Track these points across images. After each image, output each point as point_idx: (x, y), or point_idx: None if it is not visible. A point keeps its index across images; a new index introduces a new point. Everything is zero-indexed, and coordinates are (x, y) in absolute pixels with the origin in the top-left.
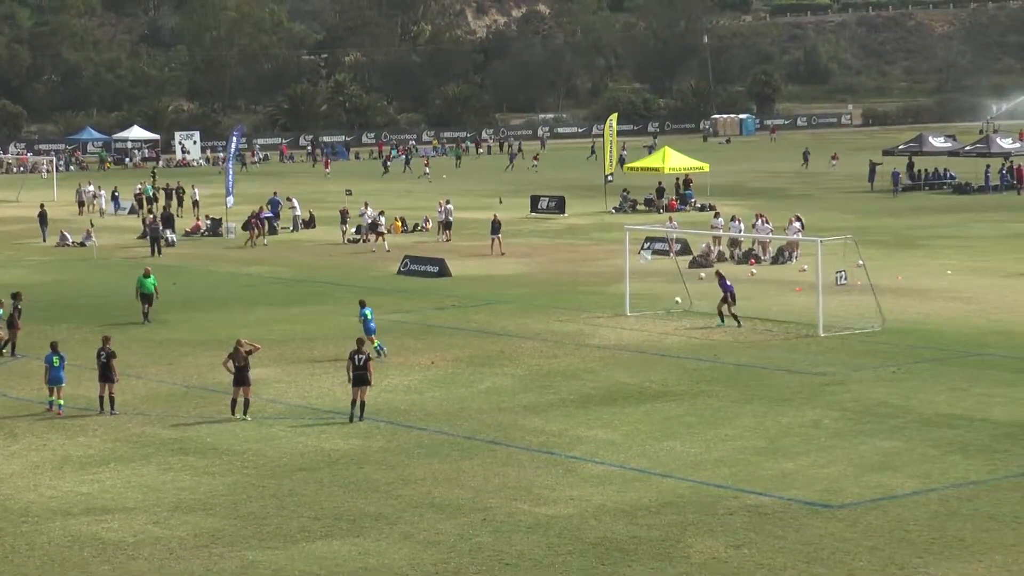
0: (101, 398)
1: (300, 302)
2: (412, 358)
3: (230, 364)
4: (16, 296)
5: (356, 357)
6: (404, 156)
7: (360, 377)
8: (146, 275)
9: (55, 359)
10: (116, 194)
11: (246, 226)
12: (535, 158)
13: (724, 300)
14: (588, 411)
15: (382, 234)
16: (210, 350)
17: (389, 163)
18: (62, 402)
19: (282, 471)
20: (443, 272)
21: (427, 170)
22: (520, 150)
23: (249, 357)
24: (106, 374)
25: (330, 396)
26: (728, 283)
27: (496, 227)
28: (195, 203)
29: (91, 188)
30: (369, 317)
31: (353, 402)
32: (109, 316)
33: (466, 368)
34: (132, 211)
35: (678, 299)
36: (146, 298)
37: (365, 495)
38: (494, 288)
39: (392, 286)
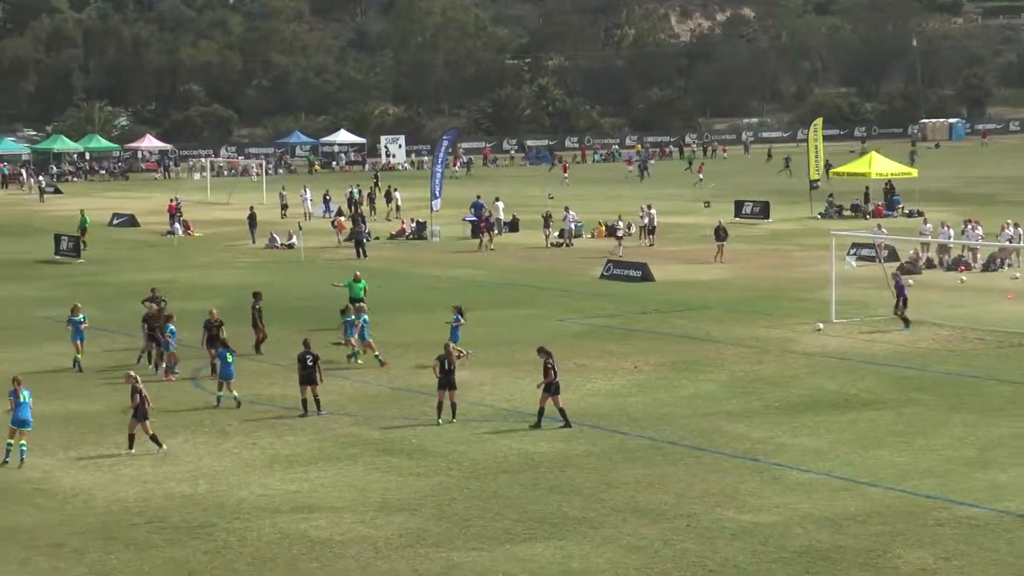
0: (304, 401)
1: (502, 305)
2: (615, 362)
3: (437, 368)
4: (257, 296)
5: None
6: (641, 164)
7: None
8: (356, 279)
9: (228, 355)
10: (327, 197)
11: (475, 232)
12: (699, 170)
13: (898, 302)
14: (793, 418)
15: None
16: (414, 352)
17: (646, 169)
18: (235, 394)
19: (486, 473)
20: (646, 276)
21: (630, 169)
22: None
23: (457, 361)
24: (312, 377)
25: (533, 399)
26: (903, 284)
27: (722, 234)
28: (397, 207)
29: (305, 194)
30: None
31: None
32: (317, 318)
33: (669, 373)
34: (340, 214)
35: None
36: (355, 303)
37: (568, 498)
38: (698, 293)
39: (594, 290)
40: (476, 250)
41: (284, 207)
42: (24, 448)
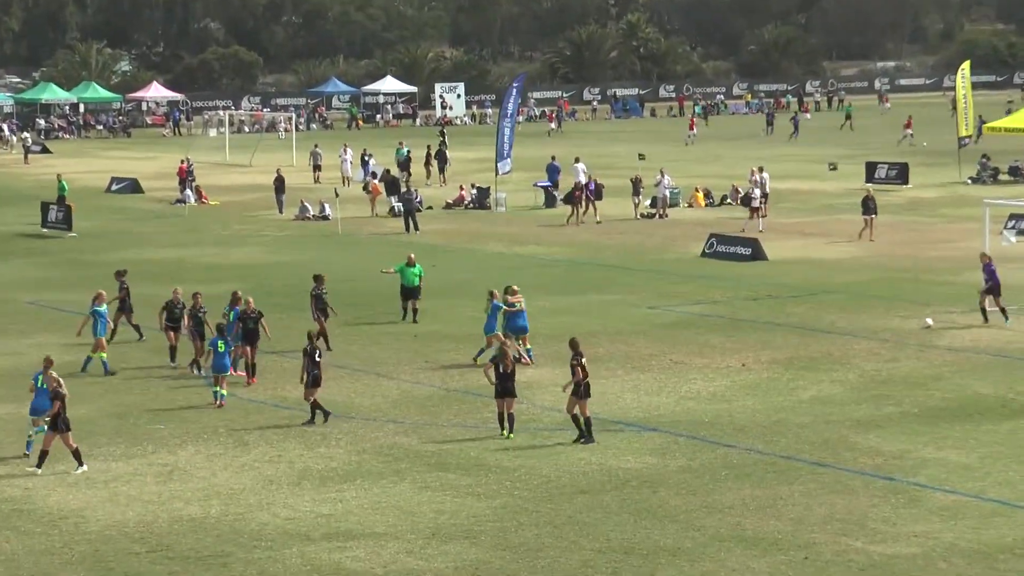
0: (314, 406)
1: (580, 289)
2: (719, 359)
3: (491, 372)
4: (318, 280)
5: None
6: (768, 116)
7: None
8: (410, 263)
9: (220, 344)
10: (367, 158)
11: (568, 199)
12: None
13: (988, 291)
14: (936, 428)
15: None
16: (472, 345)
17: (772, 120)
18: (225, 392)
19: (560, 493)
20: (757, 255)
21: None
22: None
23: (516, 365)
24: (317, 381)
25: (618, 404)
26: (994, 269)
27: (871, 206)
28: (443, 166)
29: (344, 154)
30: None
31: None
32: (357, 308)
33: (784, 372)
34: (375, 177)
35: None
36: (409, 292)
37: (660, 525)
38: (819, 275)
39: (694, 270)
40: (565, 224)
41: (317, 169)
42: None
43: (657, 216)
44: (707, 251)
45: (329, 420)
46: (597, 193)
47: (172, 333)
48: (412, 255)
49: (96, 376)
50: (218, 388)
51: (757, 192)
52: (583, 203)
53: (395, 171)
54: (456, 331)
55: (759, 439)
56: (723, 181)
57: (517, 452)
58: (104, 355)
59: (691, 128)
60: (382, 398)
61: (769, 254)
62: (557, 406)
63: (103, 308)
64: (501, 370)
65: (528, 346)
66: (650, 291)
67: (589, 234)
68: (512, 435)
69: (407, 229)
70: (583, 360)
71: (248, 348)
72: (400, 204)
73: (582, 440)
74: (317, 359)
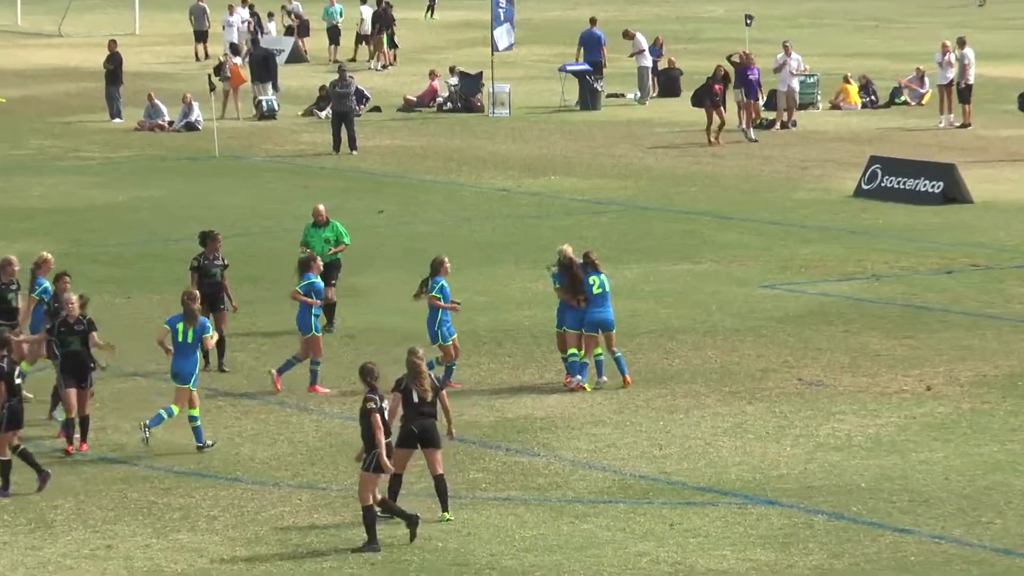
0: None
1: (645, 255)
2: (883, 377)
3: (393, 404)
4: (207, 241)
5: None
6: None
7: None
8: (318, 222)
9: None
10: (257, 26)
11: (703, 98)
12: None
13: None
14: None
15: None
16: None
17: None
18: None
19: None
20: (952, 192)
21: None
22: None
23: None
24: (16, 418)
25: (708, 457)
26: None
27: None
28: (392, 42)
29: (232, 18)
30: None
31: None
32: (252, 284)
33: (1001, 401)
34: (237, 54)
35: None
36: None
37: None
38: None
39: (839, 220)
40: (706, 144)
41: (200, 40)
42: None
43: (778, 125)
44: (865, 186)
45: (48, 484)
46: (669, 83)
47: None
48: (322, 207)
49: None
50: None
51: (950, 74)
52: (747, 106)
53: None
54: (419, 326)
55: (956, 519)
56: (893, 64)
57: (514, 540)
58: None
59: None
60: (290, 445)
61: (973, 192)
62: (601, 460)
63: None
64: (415, 399)
65: (617, 352)
66: (765, 258)
67: (655, 158)
68: (448, 514)
69: (336, 146)
70: (381, 404)
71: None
72: (328, 106)
73: (370, 547)
74: (17, 380)
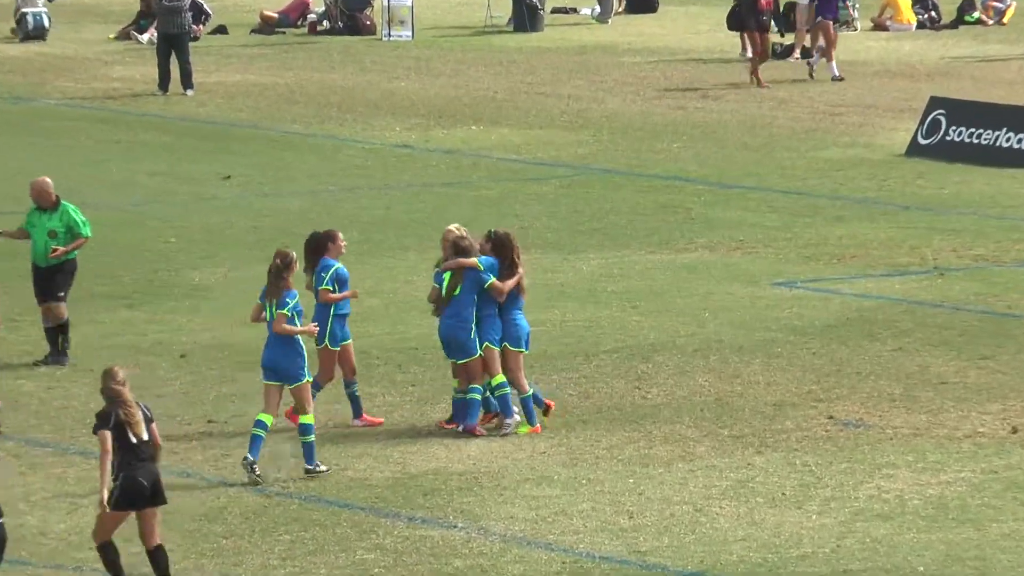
0: None
1: (610, 240)
2: (949, 415)
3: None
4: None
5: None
6: None
7: None
8: (43, 204)
9: None
10: None
11: (746, 21)
12: None
13: None
14: None
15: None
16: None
17: None
18: None
19: None
20: None
21: None
22: None
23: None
24: None
25: (703, 531)
26: None
27: None
28: None
29: None
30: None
31: None
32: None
33: None
34: None
35: None
36: (41, 279)
37: None
38: None
39: (888, 192)
40: (750, 81)
41: None
42: None
43: (797, 52)
44: (923, 140)
45: None
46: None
47: None
48: (47, 181)
49: None
50: None
51: None
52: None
53: None
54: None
55: None
56: None
57: None
58: None
59: None
60: (85, 516)
61: None
62: (544, 534)
63: None
64: (132, 439)
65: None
66: (780, 243)
67: (623, 101)
68: None
69: (163, 83)
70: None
71: None
72: (151, 25)
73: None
74: None
